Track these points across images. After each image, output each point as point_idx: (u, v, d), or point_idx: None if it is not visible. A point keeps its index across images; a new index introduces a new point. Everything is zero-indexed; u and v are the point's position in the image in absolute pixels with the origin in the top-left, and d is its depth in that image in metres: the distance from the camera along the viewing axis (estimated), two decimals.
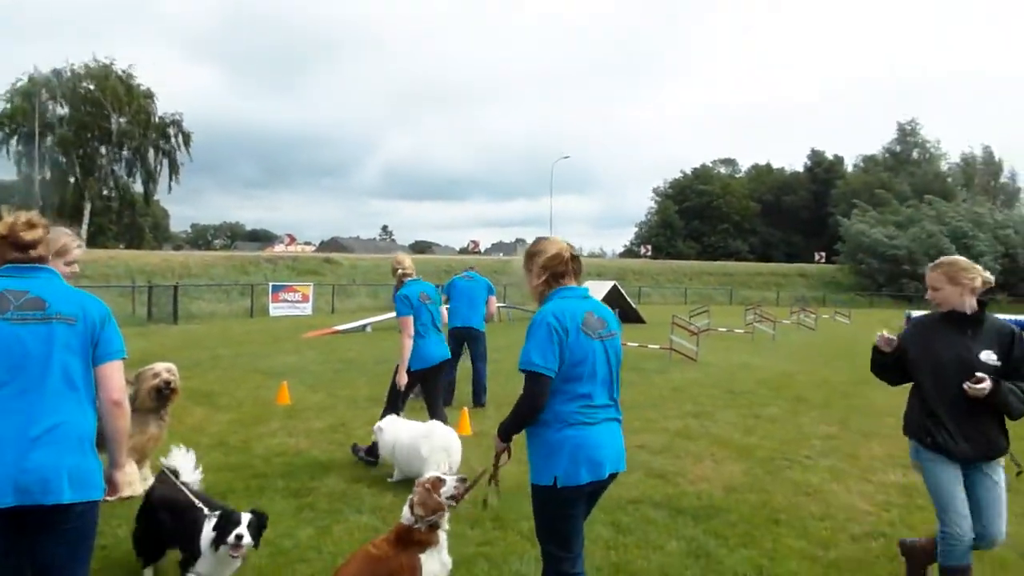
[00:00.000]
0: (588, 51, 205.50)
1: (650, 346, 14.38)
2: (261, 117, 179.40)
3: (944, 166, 68.24)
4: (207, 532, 3.24)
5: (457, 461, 5.24)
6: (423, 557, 3.19)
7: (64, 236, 2.90)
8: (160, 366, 5.06)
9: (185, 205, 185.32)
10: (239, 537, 3.15)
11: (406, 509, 3.27)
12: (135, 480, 4.68)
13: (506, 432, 2.89)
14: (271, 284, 24.66)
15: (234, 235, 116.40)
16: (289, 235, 54.80)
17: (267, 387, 9.32)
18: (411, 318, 5.78)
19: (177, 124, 47.88)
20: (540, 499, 2.82)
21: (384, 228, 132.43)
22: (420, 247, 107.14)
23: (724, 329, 20.25)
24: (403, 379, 5.81)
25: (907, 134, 69.55)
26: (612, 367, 2.90)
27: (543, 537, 2.90)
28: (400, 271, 6.06)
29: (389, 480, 5.43)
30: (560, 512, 2.80)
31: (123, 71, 45.07)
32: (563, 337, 2.74)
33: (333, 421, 7.52)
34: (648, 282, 44.32)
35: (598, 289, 22.65)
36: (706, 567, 4.01)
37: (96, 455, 2.51)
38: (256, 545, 3.26)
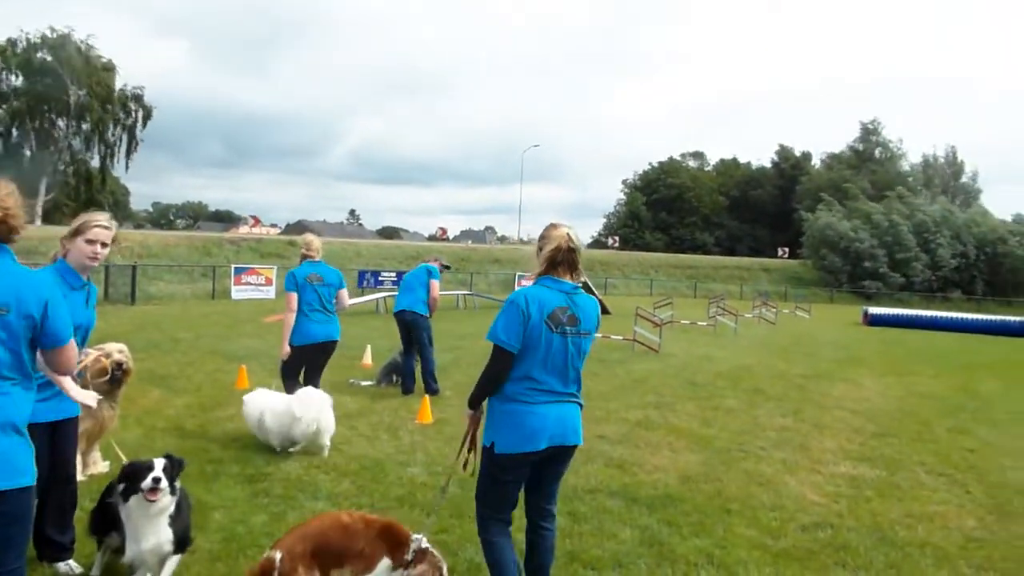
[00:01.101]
0: (561, 40, 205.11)
1: (614, 337, 14.50)
2: (228, 96, 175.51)
3: (906, 166, 69.86)
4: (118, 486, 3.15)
5: (328, 420, 5.63)
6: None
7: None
8: (112, 346, 4.93)
9: (146, 183, 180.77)
10: (156, 480, 3.06)
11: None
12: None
13: (473, 400, 3.19)
14: (234, 266, 24.22)
15: (197, 215, 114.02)
16: (254, 217, 54.01)
17: (226, 371, 9.18)
18: (294, 295, 6.13)
19: (138, 99, 46.56)
20: (483, 460, 3.15)
21: (352, 212, 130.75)
22: (388, 232, 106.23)
23: (687, 321, 20.52)
24: (284, 351, 6.21)
25: (870, 133, 70.95)
26: (570, 362, 3.09)
27: (478, 496, 3.22)
28: (303, 251, 6.41)
29: (288, 448, 5.49)
30: (494, 475, 3.12)
31: (82, 41, 43.66)
32: (526, 320, 2.99)
33: None
34: (615, 273, 44.62)
35: None
36: (659, 555, 4.08)
37: (27, 440, 2.45)
38: (173, 491, 3.17)
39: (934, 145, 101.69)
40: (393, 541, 3.15)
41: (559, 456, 3.17)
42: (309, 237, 6.64)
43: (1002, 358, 16.97)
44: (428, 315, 8.48)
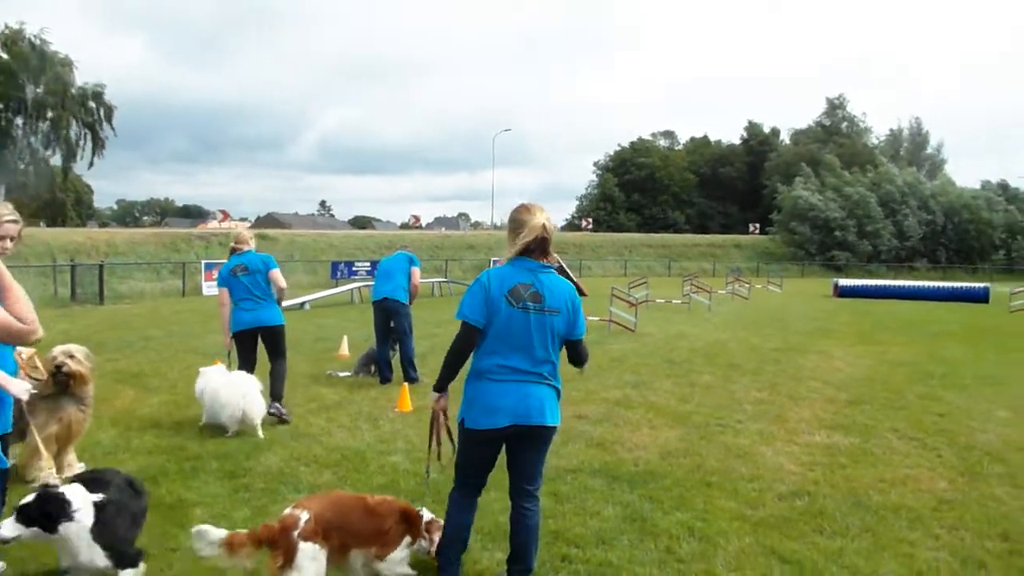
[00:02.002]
0: (528, 23, 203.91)
1: (590, 318, 14.57)
2: (191, 90, 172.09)
3: (873, 140, 70.94)
4: None
5: (254, 408, 5.92)
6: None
7: None
8: (57, 349, 4.81)
9: (110, 181, 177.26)
10: (4, 541, 2.89)
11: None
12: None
13: (441, 381, 3.27)
14: (204, 262, 23.85)
15: (164, 211, 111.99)
16: (223, 211, 52.90)
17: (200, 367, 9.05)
18: (224, 290, 6.56)
19: (98, 97, 45.36)
20: (459, 433, 3.30)
21: (323, 203, 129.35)
22: (360, 222, 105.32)
23: (662, 300, 20.69)
24: (225, 342, 6.66)
25: (836, 108, 71.87)
26: (535, 338, 3.14)
27: (455, 463, 3.37)
28: (231, 245, 6.73)
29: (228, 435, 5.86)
30: (464, 447, 3.29)
31: (35, 36, 42.36)
32: (487, 295, 3.11)
33: (269, 400, 7.37)
34: (589, 255, 44.79)
35: None
36: (641, 530, 4.14)
37: None
38: (52, 529, 2.94)
39: (899, 118, 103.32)
40: (410, 520, 3.41)
41: (527, 435, 3.20)
42: (237, 231, 6.91)
43: (967, 324, 17.39)
44: (408, 303, 8.45)
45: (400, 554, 3.35)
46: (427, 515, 3.51)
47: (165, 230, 41.71)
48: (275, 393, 6.67)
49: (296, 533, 2.99)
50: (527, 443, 3.25)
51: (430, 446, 3.51)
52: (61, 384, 4.74)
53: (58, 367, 4.71)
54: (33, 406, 4.61)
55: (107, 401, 7.09)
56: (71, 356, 4.77)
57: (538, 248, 3.18)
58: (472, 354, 3.22)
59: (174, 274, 23.96)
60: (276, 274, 6.58)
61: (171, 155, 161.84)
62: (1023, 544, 4.00)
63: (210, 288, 22.73)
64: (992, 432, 6.50)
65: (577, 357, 3.40)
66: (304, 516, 3.04)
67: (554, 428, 3.27)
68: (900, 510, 4.52)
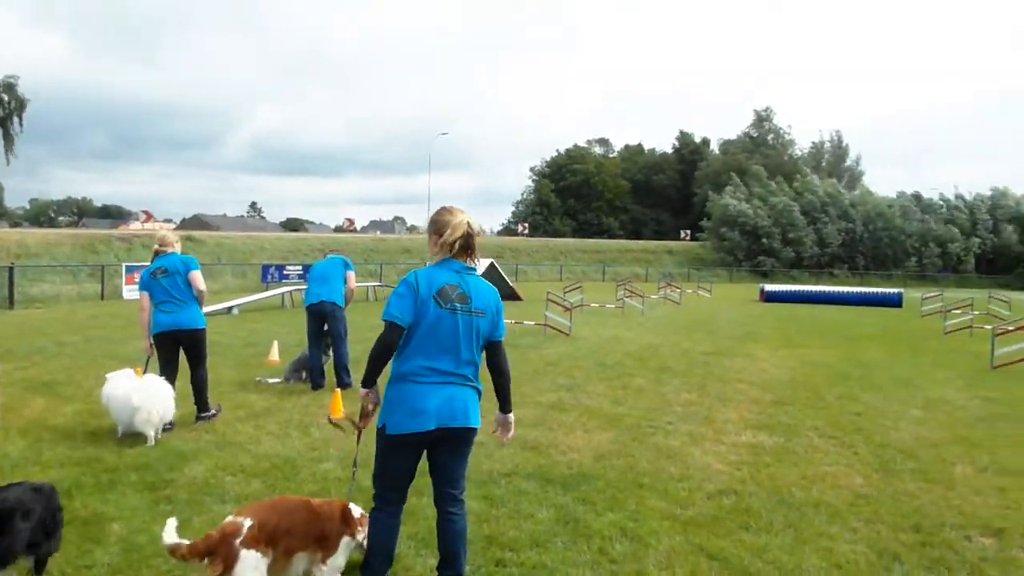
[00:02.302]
0: (465, 27, 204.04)
1: (526, 322, 14.67)
2: (111, 85, 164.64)
3: (798, 151, 74.02)
4: None
5: (163, 410, 5.84)
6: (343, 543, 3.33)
7: None
8: None
9: (22, 178, 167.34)
10: None
11: None
12: None
13: (366, 378, 3.21)
14: (125, 265, 22.84)
15: (82, 211, 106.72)
16: (145, 212, 50.93)
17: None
18: (144, 293, 6.45)
19: (10, 88, 43.01)
20: (377, 441, 3.21)
21: (253, 205, 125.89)
22: (292, 225, 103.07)
23: (596, 304, 21.00)
24: (144, 346, 6.55)
25: (763, 120, 74.74)
26: (461, 339, 3.14)
27: (373, 477, 3.30)
28: (155, 247, 6.63)
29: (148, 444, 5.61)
30: (385, 455, 3.21)
31: None
32: (415, 295, 3.09)
33: (194, 408, 7.10)
34: (525, 260, 45.06)
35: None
36: (574, 532, 4.17)
37: None
38: None
39: (820, 130, 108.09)
40: (347, 519, 3.37)
41: (451, 438, 3.18)
42: (160, 232, 6.87)
43: (882, 328, 18.30)
44: (344, 307, 8.33)
45: (342, 555, 3.33)
46: (357, 511, 3.48)
47: (83, 231, 39.68)
48: (199, 404, 6.56)
49: (238, 541, 2.92)
50: (451, 446, 3.22)
51: (358, 442, 3.52)
52: None
53: None
54: None
55: (15, 411, 6.70)
56: None
57: (464, 247, 3.21)
58: (392, 358, 3.17)
59: (92, 277, 22.84)
60: (196, 276, 6.40)
61: (90, 152, 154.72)
62: (934, 536, 4.22)
63: (131, 292, 21.77)
64: (905, 430, 6.85)
65: (498, 362, 3.34)
66: (247, 523, 2.97)
67: (476, 430, 3.26)
68: (820, 506, 4.70)
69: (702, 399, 8.12)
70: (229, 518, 3.07)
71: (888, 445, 6.29)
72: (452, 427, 3.12)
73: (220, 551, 2.91)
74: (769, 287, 30.03)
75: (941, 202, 59.49)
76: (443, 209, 3.28)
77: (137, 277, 22.24)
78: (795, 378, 9.80)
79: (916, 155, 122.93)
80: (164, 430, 6.04)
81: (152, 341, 6.42)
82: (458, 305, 3.13)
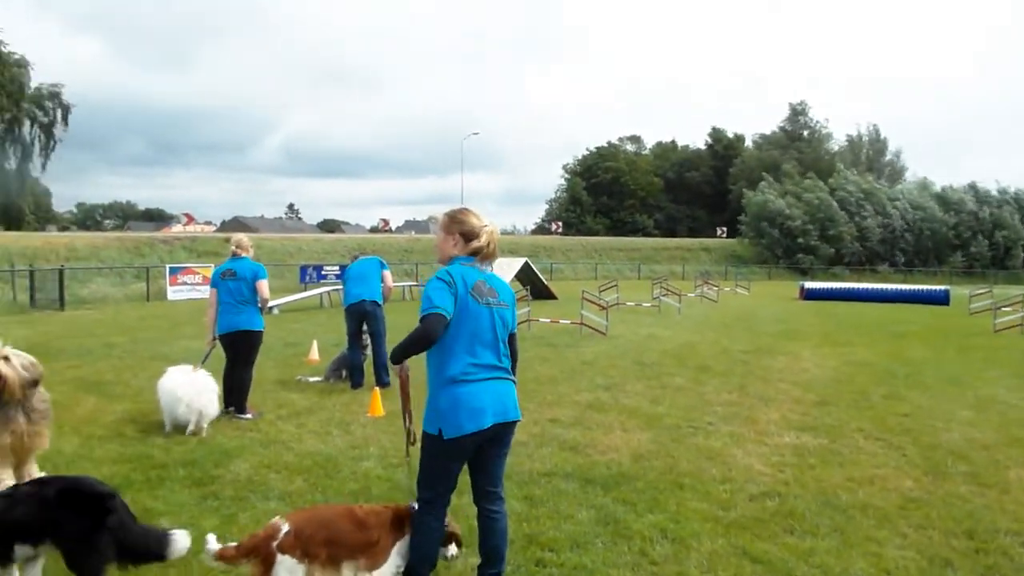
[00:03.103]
0: (496, 27, 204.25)
1: (562, 321, 14.64)
2: (150, 92, 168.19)
3: (834, 146, 72.47)
4: None
5: (206, 404, 6.10)
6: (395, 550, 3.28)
7: None
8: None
9: (69, 184, 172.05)
10: None
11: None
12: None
13: (399, 354, 3.12)
14: (168, 266, 23.41)
15: (126, 215, 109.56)
16: (187, 215, 52.24)
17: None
18: (213, 291, 6.83)
19: (55, 96, 44.32)
20: (427, 447, 3.17)
21: (290, 207, 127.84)
22: (329, 226, 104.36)
23: (632, 303, 20.85)
24: (206, 341, 6.94)
25: (798, 114, 73.31)
26: (498, 332, 3.19)
27: (421, 482, 3.24)
28: (232, 248, 6.97)
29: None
30: (441, 460, 3.16)
31: None
32: (454, 292, 3.07)
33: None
34: (559, 258, 44.96)
35: (511, 266, 22.81)
36: (615, 533, 4.14)
37: None
38: None
39: (857, 124, 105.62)
40: (399, 523, 3.30)
41: (502, 433, 3.21)
42: (236, 236, 7.16)
43: (929, 326, 17.82)
44: (383, 305, 8.45)
45: (392, 563, 3.28)
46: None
47: (128, 234, 40.72)
48: (237, 404, 6.77)
49: (275, 544, 2.98)
50: (499, 442, 3.25)
51: (405, 417, 3.43)
52: None
53: None
54: None
55: (68, 409, 6.91)
56: (5, 358, 4.34)
57: (490, 255, 3.28)
58: (434, 361, 3.15)
59: (138, 278, 23.46)
60: (262, 284, 6.76)
61: (130, 158, 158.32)
62: (988, 542, 4.09)
63: (175, 292, 22.32)
64: (956, 431, 6.65)
65: (515, 348, 3.36)
66: (284, 528, 3.03)
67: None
68: (868, 509, 4.60)
69: (743, 399, 8.00)
70: (275, 519, 3.14)
71: (938, 447, 6.12)
72: (505, 422, 3.17)
73: (261, 551, 2.99)
74: (809, 284, 29.48)
75: (996, 192, 57.45)
76: (468, 212, 3.28)
77: (180, 279, 22.85)
78: (839, 377, 9.60)
79: (955, 149, 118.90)
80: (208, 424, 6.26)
81: (216, 337, 6.80)
82: (491, 300, 3.18)
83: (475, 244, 3.22)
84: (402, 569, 3.31)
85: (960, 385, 9.17)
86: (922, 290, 28.00)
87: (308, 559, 3.03)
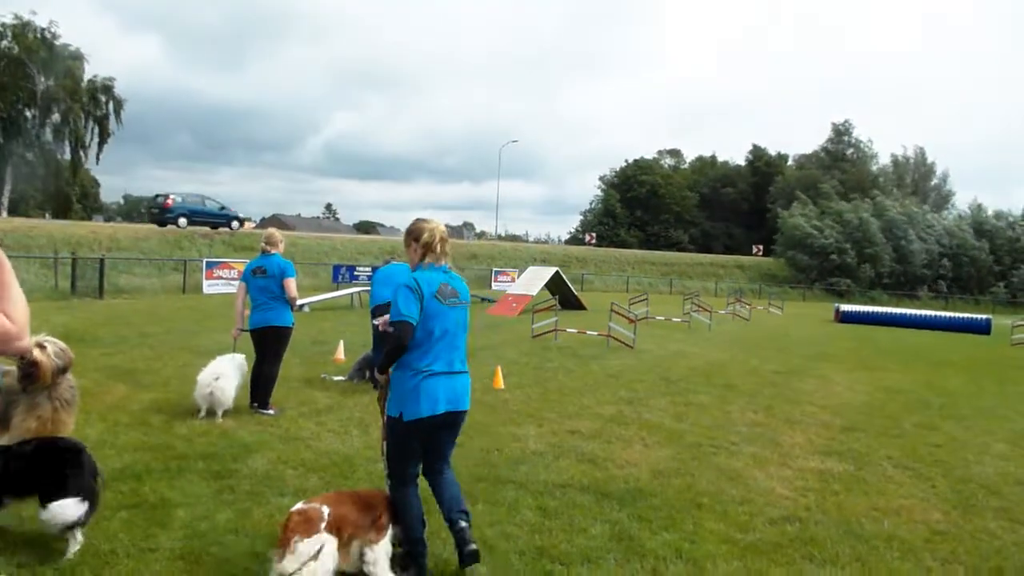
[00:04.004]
0: (537, 36, 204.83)
1: (589, 332, 14.54)
2: (197, 90, 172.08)
3: (875, 167, 70.96)
4: None
5: (221, 389, 6.39)
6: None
7: None
8: (41, 340, 4.66)
9: (116, 176, 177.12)
10: None
11: None
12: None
13: (382, 367, 3.67)
14: (205, 260, 23.84)
15: None
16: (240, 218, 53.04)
17: (195, 366, 8.86)
18: (242, 284, 6.98)
19: (108, 89, 45.58)
20: (391, 430, 3.64)
21: (328, 207, 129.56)
22: (365, 227, 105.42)
23: (662, 317, 20.63)
24: (233, 332, 7.05)
25: (841, 134, 72.00)
26: (460, 330, 3.69)
27: (390, 462, 3.73)
28: (261, 244, 6.99)
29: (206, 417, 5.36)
30: (404, 439, 3.60)
31: (44, 29, 42.56)
32: (420, 297, 3.50)
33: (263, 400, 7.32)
34: (591, 269, 44.75)
35: (541, 275, 22.77)
36: (628, 550, 4.07)
37: None
38: None
39: (903, 146, 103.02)
40: (392, 504, 3.65)
41: (453, 419, 3.65)
42: (268, 231, 7.13)
43: (968, 355, 17.30)
44: None
45: (388, 540, 3.57)
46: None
47: (169, 227, 41.61)
48: (260, 399, 6.86)
49: (323, 526, 3.26)
50: (450, 428, 3.69)
51: (383, 417, 3.79)
52: (27, 375, 4.51)
53: (21, 356, 4.50)
54: (14, 399, 4.52)
55: (97, 396, 7.05)
56: (41, 346, 4.45)
57: (440, 245, 3.68)
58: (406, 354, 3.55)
59: (176, 271, 23.94)
60: (290, 283, 6.82)
61: (176, 153, 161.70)
62: None
63: (211, 287, 22.72)
64: (989, 465, 6.43)
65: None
66: (326, 510, 3.32)
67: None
68: (892, 540, 4.45)
69: (768, 420, 7.84)
70: (302, 505, 3.35)
71: (970, 480, 5.91)
72: (456, 411, 3.62)
73: (311, 532, 3.22)
74: (845, 307, 28.88)
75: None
76: (418, 219, 3.76)
77: (216, 273, 23.26)
78: (870, 403, 9.36)
79: (1002, 174, 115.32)
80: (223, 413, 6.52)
81: (244, 328, 6.90)
82: (454, 300, 3.63)
83: (423, 240, 3.66)
84: (391, 550, 3.59)
85: (996, 418, 8.86)
86: (963, 318, 27.23)
87: (339, 538, 3.32)
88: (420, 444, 3.64)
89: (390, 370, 3.64)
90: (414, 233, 3.71)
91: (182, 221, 28.45)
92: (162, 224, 28.24)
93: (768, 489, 5.34)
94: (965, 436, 7.64)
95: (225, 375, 6.53)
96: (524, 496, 4.86)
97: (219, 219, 30.11)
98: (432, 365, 3.55)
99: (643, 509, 4.73)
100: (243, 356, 6.94)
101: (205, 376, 6.50)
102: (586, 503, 4.80)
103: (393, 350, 3.54)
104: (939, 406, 9.45)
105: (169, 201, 28.56)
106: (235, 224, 30.50)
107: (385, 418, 3.74)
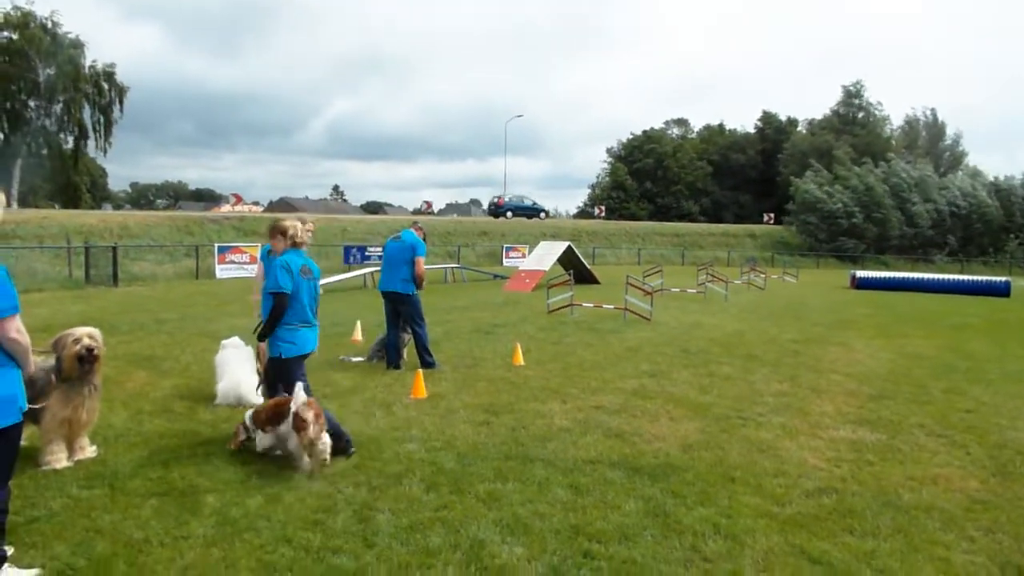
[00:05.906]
0: (535, 9, 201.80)
1: (605, 306, 14.42)
2: (199, 76, 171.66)
3: (888, 129, 69.73)
4: None
5: (234, 372, 6.57)
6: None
7: None
8: (81, 331, 4.72)
9: (122, 164, 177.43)
10: None
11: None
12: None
13: (263, 333, 5.12)
14: (217, 245, 23.83)
15: (177, 195, 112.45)
16: (235, 195, 53.09)
17: (214, 351, 8.84)
18: (260, 264, 7.03)
19: (110, 77, 45.32)
20: (274, 366, 5.17)
21: (335, 188, 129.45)
22: (372, 207, 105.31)
23: (677, 289, 20.47)
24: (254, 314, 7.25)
25: (852, 96, 70.61)
26: (315, 298, 5.36)
27: (285, 384, 5.18)
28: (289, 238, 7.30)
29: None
30: (291, 369, 5.16)
31: (45, 18, 42.26)
32: (291, 274, 5.09)
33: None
34: (602, 243, 44.47)
35: (553, 249, 22.60)
36: (664, 526, 4.01)
37: None
38: None
39: (912, 108, 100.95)
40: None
41: (309, 357, 5.36)
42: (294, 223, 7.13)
43: (990, 318, 17.07)
44: (414, 292, 8.31)
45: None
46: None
47: (179, 213, 41.52)
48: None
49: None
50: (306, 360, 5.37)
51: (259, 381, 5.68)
52: (88, 368, 4.67)
53: (89, 350, 4.64)
54: (48, 390, 4.55)
55: (119, 384, 7.04)
56: (93, 338, 4.73)
57: (301, 242, 5.33)
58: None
59: (188, 256, 23.96)
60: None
61: (180, 139, 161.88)
62: None
63: (223, 271, 22.74)
64: (1023, 430, 6.31)
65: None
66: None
67: None
68: (932, 510, 4.36)
69: (794, 390, 7.74)
70: (302, 405, 4.73)
71: (1005, 446, 5.81)
72: (314, 350, 5.36)
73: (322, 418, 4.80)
74: (861, 273, 28.56)
75: None
76: (284, 219, 5.47)
77: (228, 257, 23.27)
78: (895, 370, 9.23)
79: (1016, 137, 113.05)
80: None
81: None
82: (310, 277, 5.25)
83: (289, 235, 5.28)
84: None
85: None
86: (981, 281, 26.87)
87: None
88: (296, 373, 5.13)
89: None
90: (279, 231, 5.33)
91: (508, 214, 41.60)
92: (496, 216, 41.60)
93: (801, 460, 5.26)
94: (995, 400, 7.51)
95: (243, 381, 6.44)
96: (554, 474, 4.80)
97: (532, 212, 42.48)
98: (302, 321, 5.18)
99: (676, 484, 4.66)
100: (241, 341, 6.84)
101: (225, 388, 6.49)
102: (617, 479, 4.74)
103: (276, 316, 5.03)
104: (965, 370, 9.31)
105: (501, 199, 42.45)
106: (542, 215, 43.64)
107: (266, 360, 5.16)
